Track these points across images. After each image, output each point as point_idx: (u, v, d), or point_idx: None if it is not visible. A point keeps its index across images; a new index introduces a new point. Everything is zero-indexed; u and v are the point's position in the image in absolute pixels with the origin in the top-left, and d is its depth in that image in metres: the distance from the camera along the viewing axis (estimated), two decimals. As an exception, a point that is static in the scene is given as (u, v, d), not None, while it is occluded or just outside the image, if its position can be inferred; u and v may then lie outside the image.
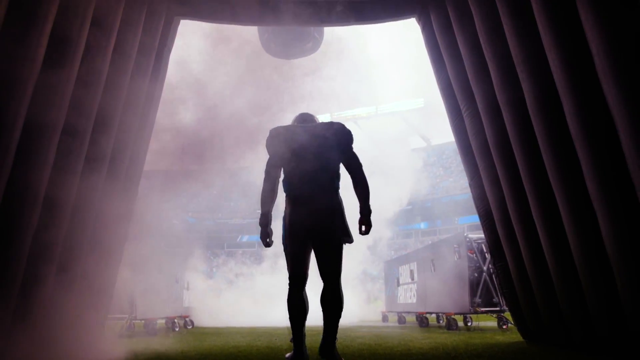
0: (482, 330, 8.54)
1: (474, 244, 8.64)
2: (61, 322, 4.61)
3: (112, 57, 4.84)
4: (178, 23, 6.07)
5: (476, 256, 8.60)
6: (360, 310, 16.82)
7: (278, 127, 4.10)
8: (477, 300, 8.35)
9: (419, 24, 6.34)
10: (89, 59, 4.46)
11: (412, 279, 11.32)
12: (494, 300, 8.42)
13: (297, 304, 3.86)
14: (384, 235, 22.09)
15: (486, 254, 8.74)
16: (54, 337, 4.43)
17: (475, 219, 32.85)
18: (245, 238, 60.08)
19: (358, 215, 3.93)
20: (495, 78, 4.66)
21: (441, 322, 11.86)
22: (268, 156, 4.04)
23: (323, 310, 3.85)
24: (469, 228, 35.62)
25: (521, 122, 4.46)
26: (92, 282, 5.09)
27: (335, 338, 3.84)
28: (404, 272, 12.15)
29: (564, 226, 4.17)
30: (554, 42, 3.65)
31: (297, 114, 4.37)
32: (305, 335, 3.88)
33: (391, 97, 63.23)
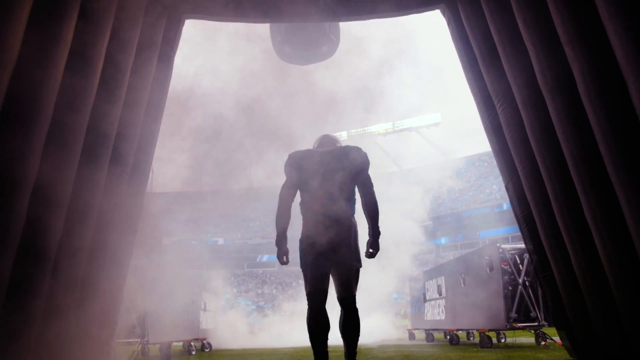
0: (519, 347, 7.90)
1: (508, 255, 8.02)
2: (58, 338, 4.13)
3: (112, 54, 4.42)
4: (184, 22, 5.66)
5: (510, 268, 7.98)
6: (385, 328, 16.19)
7: (297, 151, 4.21)
8: (514, 315, 7.72)
9: (444, 16, 5.86)
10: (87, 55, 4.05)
11: (440, 294, 10.68)
12: (532, 314, 7.79)
13: (317, 320, 3.86)
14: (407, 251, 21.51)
15: (520, 266, 8.14)
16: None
17: (496, 233, 31.91)
18: (265, 258, 59.68)
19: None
20: (539, 63, 4.12)
21: (472, 338, 11.22)
22: (285, 178, 4.15)
23: (342, 336, 3.96)
24: (490, 241, 34.74)
25: (571, 111, 3.91)
26: (96, 292, 4.60)
27: (355, 357, 3.94)
28: (430, 287, 11.51)
29: (627, 228, 3.60)
30: (615, 10, 3.12)
31: (320, 135, 4.46)
32: (328, 354, 3.83)
33: (408, 112, 62.85)
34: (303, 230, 4.09)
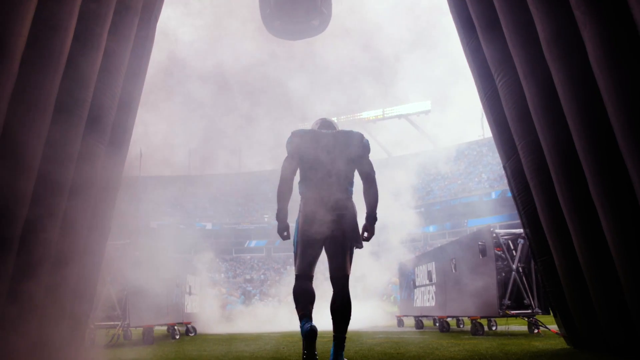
0: (512, 335, 7.70)
1: (502, 240, 7.78)
2: (29, 313, 3.83)
3: (86, 16, 4.08)
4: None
5: (504, 254, 7.75)
6: (372, 314, 16.00)
7: (301, 129, 4.26)
8: (507, 302, 7.49)
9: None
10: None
11: (430, 280, 10.45)
12: (525, 302, 7.57)
13: (304, 287, 3.98)
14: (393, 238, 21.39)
15: (514, 252, 7.91)
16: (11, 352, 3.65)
17: (484, 222, 31.80)
18: (253, 243, 59.45)
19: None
20: (543, 30, 3.83)
21: (462, 326, 11.04)
22: (286, 154, 4.19)
23: (332, 316, 3.93)
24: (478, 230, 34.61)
25: (579, 81, 3.63)
26: (71, 266, 4.28)
27: (344, 342, 3.90)
28: (420, 273, 11.27)
29: (639, 208, 3.34)
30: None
31: (318, 118, 4.52)
32: (312, 316, 3.88)
33: (398, 99, 62.69)
34: (301, 208, 4.15)
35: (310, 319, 3.84)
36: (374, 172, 4.20)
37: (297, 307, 3.95)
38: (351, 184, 4.17)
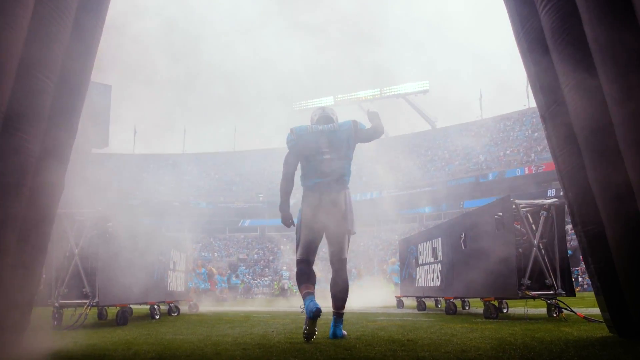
0: (531, 319, 6.83)
1: (522, 212, 6.87)
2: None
3: None
4: None
5: (524, 227, 6.86)
6: (370, 295, 15.21)
7: (299, 126, 4.73)
8: (526, 282, 6.61)
9: None
10: None
11: (436, 257, 9.55)
12: (547, 282, 6.68)
13: (304, 270, 4.56)
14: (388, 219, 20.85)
15: (533, 226, 7.01)
16: None
17: (480, 203, 31.19)
18: (247, 222, 58.70)
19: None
20: None
21: (467, 308, 10.20)
22: (287, 151, 4.70)
23: (332, 294, 4.57)
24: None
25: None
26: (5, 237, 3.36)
27: (342, 317, 4.58)
28: (424, 250, 10.36)
29: None
30: None
31: (317, 108, 5.11)
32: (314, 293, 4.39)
33: (395, 79, 61.86)
34: (303, 200, 4.65)
35: (314, 297, 4.32)
36: (372, 127, 4.83)
37: (300, 287, 4.48)
38: (348, 173, 4.66)
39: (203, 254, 49.55)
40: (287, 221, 4.68)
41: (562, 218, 6.79)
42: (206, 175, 62.33)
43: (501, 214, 6.99)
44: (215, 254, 53.01)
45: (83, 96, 4.21)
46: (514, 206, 6.83)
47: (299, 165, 4.71)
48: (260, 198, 57.44)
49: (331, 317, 4.62)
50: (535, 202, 7.03)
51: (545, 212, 6.82)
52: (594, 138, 3.66)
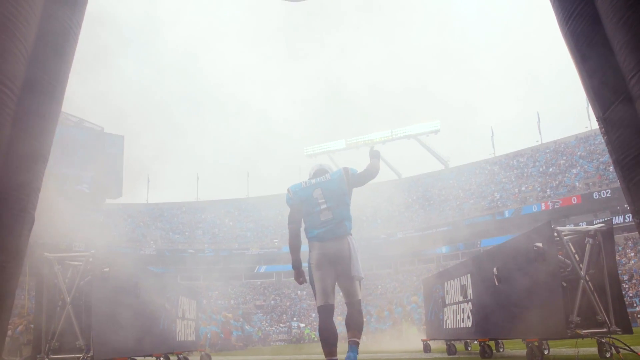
0: None
1: (564, 240, 6.17)
2: None
3: None
4: None
5: (569, 258, 6.15)
6: (391, 339, 14.39)
7: (295, 185, 4.99)
8: (575, 319, 5.87)
9: None
10: None
11: (465, 296, 8.79)
12: (598, 318, 5.94)
13: (328, 328, 4.60)
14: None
15: (575, 255, 6.29)
16: None
17: (498, 241, 30.16)
18: (263, 269, 57.82)
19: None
20: None
21: (502, 350, 9.36)
22: (289, 210, 4.96)
23: (347, 327, 4.66)
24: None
25: None
26: None
27: (358, 346, 4.56)
28: (451, 288, 9.61)
29: None
30: None
31: (315, 164, 5.37)
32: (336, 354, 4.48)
33: (406, 120, 61.88)
34: (309, 251, 4.81)
35: (336, 358, 4.47)
36: (364, 171, 5.03)
37: (323, 347, 4.57)
38: (349, 219, 4.84)
39: (219, 301, 48.63)
40: (298, 278, 4.88)
41: (610, 245, 6.11)
42: (220, 222, 61.93)
43: (540, 244, 6.28)
44: (232, 302, 52.02)
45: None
46: (555, 234, 6.14)
47: (302, 221, 4.90)
48: (276, 243, 56.71)
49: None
50: (579, 228, 6.37)
51: (591, 240, 6.13)
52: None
